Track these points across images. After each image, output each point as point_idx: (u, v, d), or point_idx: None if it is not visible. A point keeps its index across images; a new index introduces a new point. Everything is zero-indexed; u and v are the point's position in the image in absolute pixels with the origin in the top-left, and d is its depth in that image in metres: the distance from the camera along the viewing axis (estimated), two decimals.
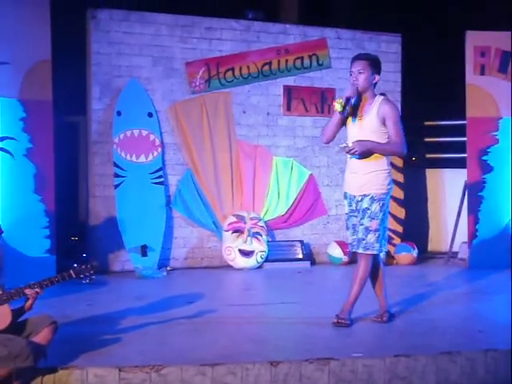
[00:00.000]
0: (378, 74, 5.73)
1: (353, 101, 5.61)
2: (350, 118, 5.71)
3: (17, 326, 4.35)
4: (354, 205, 5.76)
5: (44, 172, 7.97)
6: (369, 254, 5.69)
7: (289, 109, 9.73)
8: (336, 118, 5.71)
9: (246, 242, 9.05)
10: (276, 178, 9.65)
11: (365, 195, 5.65)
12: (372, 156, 5.61)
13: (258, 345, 5.18)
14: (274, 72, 9.64)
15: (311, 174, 9.79)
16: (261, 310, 6.58)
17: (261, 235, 9.17)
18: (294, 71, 9.74)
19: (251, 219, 9.18)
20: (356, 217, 5.74)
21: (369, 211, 5.63)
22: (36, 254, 7.83)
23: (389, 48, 10.12)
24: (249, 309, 6.58)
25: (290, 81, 9.71)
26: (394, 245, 9.66)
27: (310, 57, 9.80)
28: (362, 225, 5.66)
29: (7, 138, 7.75)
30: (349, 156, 5.72)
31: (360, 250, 5.70)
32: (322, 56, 9.84)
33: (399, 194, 9.82)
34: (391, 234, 9.68)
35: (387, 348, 5.10)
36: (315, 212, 9.87)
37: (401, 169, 9.86)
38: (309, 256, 9.60)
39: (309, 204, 9.81)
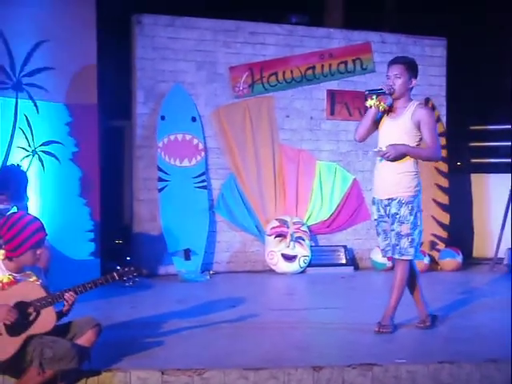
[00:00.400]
0: (415, 77, 5.64)
1: (384, 101, 5.58)
2: (383, 119, 5.65)
3: (61, 328, 4.38)
4: (382, 210, 5.67)
5: (89, 176, 8.05)
6: (405, 260, 5.59)
7: (332, 113, 9.70)
8: (370, 114, 5.64)
9: (288, 246, 9.03)
10: (319, 183, 9.62)
11: (392, 199, 5.55)
12: (398, 158, 5.51)
13: (300, 350, 5.16)
14: (317, 76, 9.62)
15: (355, 179, 9.74)
16: (303, 315, 6.55)
17: (304, 240, 9.15)
18: (338, 75, 9.70)
19: (294, 224, 9.17)
20: (386, 222, 5.65)
21: (398, 216, 5.53)
22: (81, 256, 7.90)
23: (433, 52, 10.03)
24: (291, 314, 6.56)
25: (333, 85, 9.68)
26: (439, 250, 9.56)
27: (353, 61, 9.76)
28: (393, 230, 5.58)
29: (53, 142, 7.83)
30: (378, 159, 5.65)
31: (396, 256, 5.62)
32: (366, 60, 9.79)
33: (444, 199, 9.73)
34: (436, 240, 9.60)
35: (431, 354, 5.04)
36: (359, 217, 9.81)
37: (446, 174, 9.77)
38: (352, 261, 9.56)
39: (352, 209, 9.76)
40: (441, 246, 9.63)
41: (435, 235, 9.66)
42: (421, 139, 5.57)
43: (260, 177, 9.30)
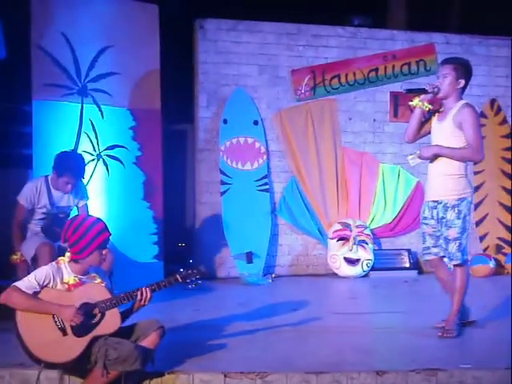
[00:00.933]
0: (464, 78, 5.52)
1: (428, 101, 5.56)
2: (432, 121, 5.64)
3: (126, 330, 4.43)
4: (427, 211, 5.66)
5: (153, 179, 8.14)
6: (458, 264, 5.51)
7: (395, 115, 9.61)
8: (415, 115, 5.66)
9: (351, 250, 8.97)
10: (382, 186, 9.54)
11: (437, 202, 5.53)
12: (442, 160, 5.49)
13: (363, 354, 5.11)
14: (380, 78, 9.55)
15: (419, 182, 9.62)
16: (366, 319, 6.49)
17: (367, 243, 9.08)
18: (401, 77, 9.61)
19: (357, 227, 9.11)
20: (427, 224, 5.65)
21: (444, 220, 5.48)
22: (144, 259, 7.99)
23: (499, 52, 9.86)
24: (354, 317, 6.51)
25: (396, 87, 9.59)
26: (505, 254, 9.37)
27: (417, 62, 9.66)
28: (441, 234, 5.53)
29: (118, 146, 7.94)
30: (429, 161, 5.63)
31: (446, 261, 5.61)
32: (430, 61, 9.68)
33: (509, 201, 9.54)
34: (502, 243, 9.43)
35: (497, 359, 4.94)
36: None
37: (510, 175, 9.58)
38: (416, 265, 9.43)
39: (416, 212, 9.56)
40: (507, 249, 9.43)
41: (501, 239, 9.49)
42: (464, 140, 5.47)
43: (322, 180, 9.27)
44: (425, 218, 5.67)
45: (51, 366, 4.29)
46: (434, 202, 5.55)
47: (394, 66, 9.58)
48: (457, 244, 5.45)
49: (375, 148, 9.57)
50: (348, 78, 9.44)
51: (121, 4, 8.02)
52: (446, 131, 5.48)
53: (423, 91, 5.53)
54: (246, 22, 9.18)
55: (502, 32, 9.93)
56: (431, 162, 5.57)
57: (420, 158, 5.58)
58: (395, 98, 9.57)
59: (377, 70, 9.52)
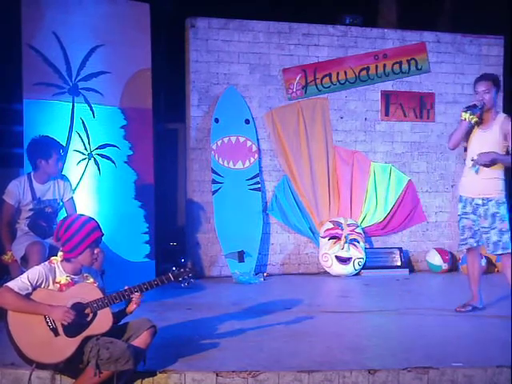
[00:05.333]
0: (499, 91, 6.53)
1: (477, 115, 6.23)
2: (475, 130, 6.31)
3: (117, 330, 4.43)
4: (469, 207, 6.36)
5: (144, 178, 8.12)
6: (509, 253, 6.22)
7: (387, 114, 9.63)
8: (463, 126, 6.30)
9: (343, 248, 8.98)
10: (374, 184, 9.55)
11: (488, 199, 6.25)
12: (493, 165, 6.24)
13: (355, 352, 5.13)
14: (371, 77, 9.56)
15: (410, 180, 9.65)
16: (358, 318, 6.51)
17: (358, 242, 9.09)
18: (392, 76, 9.63)
19: (348, 226, 9.12)
20: (468, 219, 6.36)
21: (498, 214, 6.22)
22: (136, 258, 7.97)
23: (490, 51, 9.88)
24: (346, 316, 6.52)
25: (387, 86, 9.61)
26: None
27: (408, 61, 9.67)
28: (494, 228, 6.22)
29: (109, 145, 7.92)
30: (469, 164, 6.32)
31: (499, 252, 6.27)
32: (421, 60, 9.69)
33: None
34: None
35: (488, 358, 4.96)
36: (414, 219, 9.72)
37: None
38: (407, 263, 9.46)
39: (407, 210, 9.66)
40: None
41: None
42: (507, 148, 6.24)
43: (314, 178, 9.27)
44: (465, 214, 6.40)
45: (43, 366, 4.29)
46: (484, 199, 6.27)
47: (385, 65, 9.58)
48: (509, 235, 6.22)
49: (367, 147, 9.58)
50: (339, 77, 9.45)
51: (112, 3, 7.98)
52: (490, 139, 6.24)
53: (478, 108, 6.24)
54: (237, 20, 9.17)
55: (493, 31, 9.95)
56: (486, 166, 6.22)
57: (478, 163, 6.23)
58: (386, 96, 9.58)
59: (368, 68, 9.53)
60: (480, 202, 6.30)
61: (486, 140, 6.26)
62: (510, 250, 6.23)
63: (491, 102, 6.28)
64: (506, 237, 6.22)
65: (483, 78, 6.42)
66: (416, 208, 9.71)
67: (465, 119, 6.26)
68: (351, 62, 9.47)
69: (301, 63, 9.30)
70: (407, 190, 9.66)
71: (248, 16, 9.25)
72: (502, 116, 6.36)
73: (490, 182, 6.26)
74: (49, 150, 6.17)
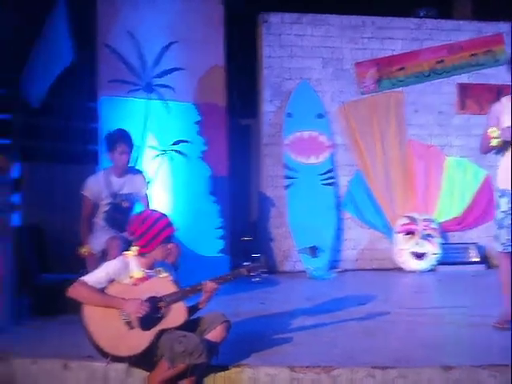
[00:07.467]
0: None
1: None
2: None
3: (191, 324, 4.46)
4: None
5: (218, 174, 8.18)
6: None
7: (462, 107, 9.46)
8: (487, 140, 5.84)
9: (418, 244, 8.88)
10: (449, 179, 9.40)
11: None
12: None
13: (429, 349, 5.05)
14: (447, 70, 9.41)
15: (487, 174, 9.45)
16: (433, 314, 6.41)
17: (433, 237, 8.97)
18: (469, 68, 9.46)
19: (424, 221, 9.00)
20: None
21: None
22: (210, 253, 8.04)
23: None
24: (421, 312, 6.43)
25: (463, 78, 9.44)
26: None
27: (485, 53, 9.49)
28: None
29: (183, 141, 8.00)
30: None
31: None
32: (499, 52, 9.49)
33: None
34: None
35: None
36: (491, 214, 9.47)
37: None
38: (484, 259, 9.28)
39: (485, 205, 9.46)
40: None
41: None
42: None
43: (388, 173, 9.18)
44: (510, 209, 5.68)
45: (118, 359, 4.35)
46: None
47: (460, 57, 9.42)
48: None
49: (442, 141, 9.44)
50: (414, 70, 9.33)
51: (185, 0, 8.07)
52: None
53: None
54: (310, 14, 9.15)
55: None
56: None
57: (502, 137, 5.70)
58: (462, 89, 9.42)
59: (443, 61, 9.39)
60: None
61: None
62: None
63: None
64: None
65: None
66: (493, 202, 9.49)
67: (490, 135, 5.71)
68: (426, 55, 9.34)
69: (374, 57, 9.22)
70: (484, 184, 9.45)
71: (321, 10, 9.21)
72: None
73: None
74: (112, 143, 6.24)
